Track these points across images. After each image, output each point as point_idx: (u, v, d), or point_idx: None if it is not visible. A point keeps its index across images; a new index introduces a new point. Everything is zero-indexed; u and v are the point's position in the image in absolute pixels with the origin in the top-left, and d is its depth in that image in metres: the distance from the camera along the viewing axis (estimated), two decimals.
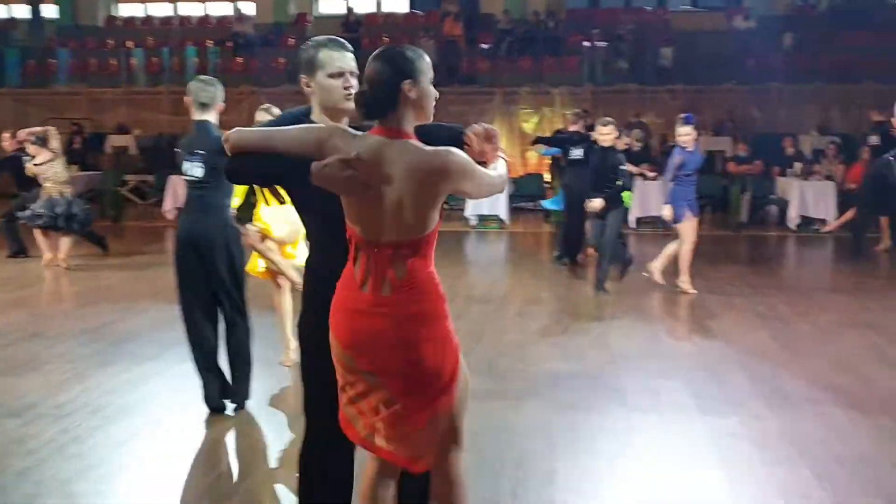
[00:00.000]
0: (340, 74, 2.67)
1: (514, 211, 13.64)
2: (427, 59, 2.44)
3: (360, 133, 2.42)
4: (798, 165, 12.90)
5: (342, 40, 2.75)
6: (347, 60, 2.69)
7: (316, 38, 2.76)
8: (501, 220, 12.81)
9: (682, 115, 7.77)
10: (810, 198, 12.16)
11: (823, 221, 12.14)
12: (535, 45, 17.50)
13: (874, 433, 4.37)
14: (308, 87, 2.72)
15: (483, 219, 12.92)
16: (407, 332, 2.37)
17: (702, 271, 8.40)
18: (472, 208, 12.73)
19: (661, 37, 17.40)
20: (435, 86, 2.47)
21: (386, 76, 2.35)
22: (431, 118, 2.49)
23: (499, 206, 12.60)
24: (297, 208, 2.72)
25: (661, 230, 11.16)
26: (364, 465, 2.64)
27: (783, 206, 12.64)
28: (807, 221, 12.30)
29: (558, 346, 6.06)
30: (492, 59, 17.66)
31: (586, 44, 17.13)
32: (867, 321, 6.79)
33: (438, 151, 2.35)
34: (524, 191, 14.40)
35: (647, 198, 11.97)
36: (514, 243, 11.93)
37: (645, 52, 17.20)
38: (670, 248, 7.87)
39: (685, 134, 7.54)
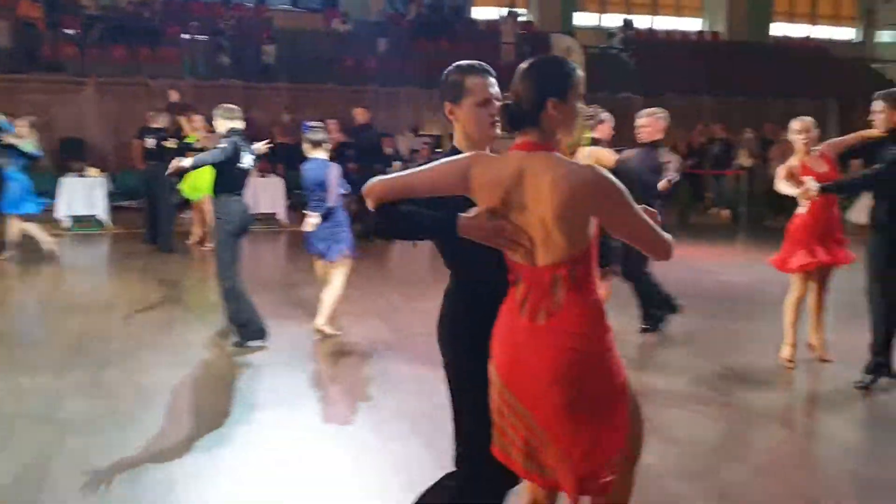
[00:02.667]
0: (487, 102, 2.54)
1: (115, 210, 12.63)
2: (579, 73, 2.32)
3: (499, 154, 2.29)
4: (396, 164, 13.86)
5: (486, 66, 2.61)
6: (493, 86, 2.56)
7: (460, 62, 2.62)
8: (100, 221, 11.83)
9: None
10: None
11: None
12: (130, 35, 16.46)
13: None
14: (452, 114, 2.59)
15: (78, 220, 11.80)
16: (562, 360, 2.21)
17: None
18: (66, 208, 11.57)
19: (262, 34, 17.48)
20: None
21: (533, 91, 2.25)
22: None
23: (96, 205, 11.65)
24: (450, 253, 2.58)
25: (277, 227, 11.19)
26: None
27: None
28: None
29: (169, 351, 5.77)
30: (80, 47, 16.21)
31: (185, 36, 16.55)
32: None
33: (589, 167, 2.21)
34: (124, 187, 13.34)
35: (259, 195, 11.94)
36: (117, 245, 11.09)
37: (247, 48, 17.14)
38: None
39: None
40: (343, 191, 6.18)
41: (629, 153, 6.30)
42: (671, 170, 6.17)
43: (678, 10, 21.67)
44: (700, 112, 17.98)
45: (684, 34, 21.49)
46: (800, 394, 5.33)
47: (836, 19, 23.08)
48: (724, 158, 15.80)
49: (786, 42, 22.21)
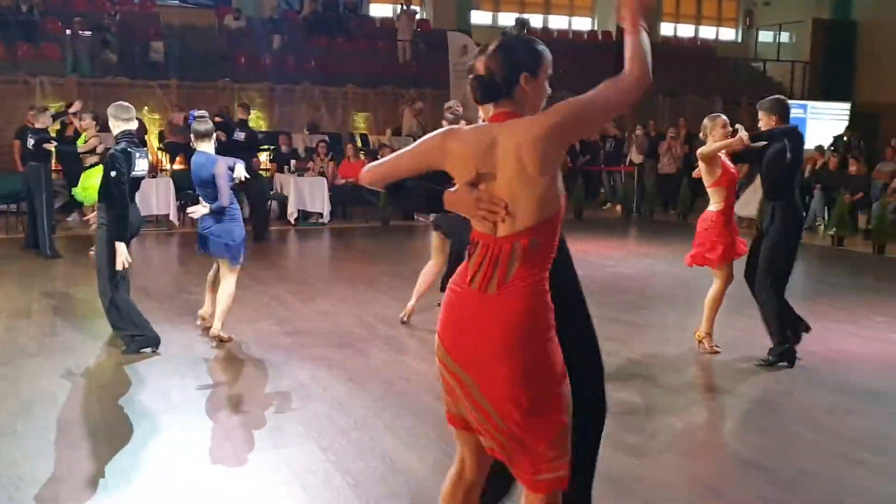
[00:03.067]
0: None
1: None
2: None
3: (469, 127, 2.35)
4: (294, 162, 13.65)
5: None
6: None
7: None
8: None
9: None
10: (306, 193, 12.96)
11: (320, 215, 13.05)
12: (8, 30, 15.61)
13: (368, 401, 4.81)
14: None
15: None
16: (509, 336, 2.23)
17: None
18: None
19: (150, 30, 16.89)
20: None
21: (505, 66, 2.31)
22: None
23: None
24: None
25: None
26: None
27: (283, 201, 13.25)
28: (305, 215, 13.09)
29: (53, 359, 5.49)
30: None
31: (68, 31, 15.82)
32: (364, 300, 7.47)
33: (535, 116, 2.28)
34: (2, 190, 12.60)
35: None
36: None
37: (134, 44, 16.52)
38: None
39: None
40: (236, 180, 5.93)
41: None
42: None
43: (571, 10, 22.13)
44: None
45: (577, 33, 21.97)
46: (695, 381, 5.51)
47: (719, 20, 24.05)
48: (617, 155, 16.27)
49: (674, 42, 23.00)
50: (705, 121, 5.67)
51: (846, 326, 6.83)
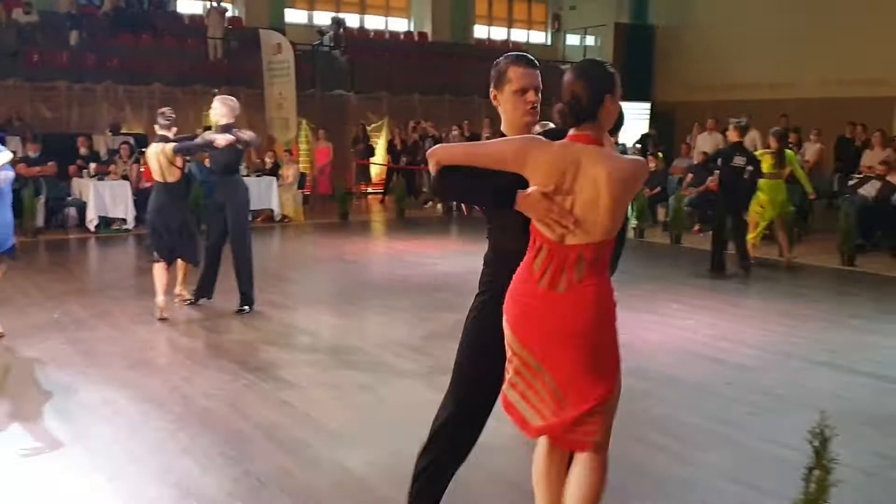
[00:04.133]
0: (524, 91, 2.79)
1: None
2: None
3: (555, 141, 2.58)
4: (93, 165, 12.75)
5: (531, 57, 2.86)
6: (535, 78, 2.82)
7: (510, 53, 2.89)
8: None
9: None
10: (108, 198, 12.14)
11: (123, 220, 12.27)
12: None
13: (165, 422, 4.49)
14: (495, 99, 2.87)
15: None
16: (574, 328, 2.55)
17: None
18: None
19: None
20: None
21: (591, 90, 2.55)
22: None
23: None
24: (488, 217, 2.88)
25: None
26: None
27: (81, 206, 12.35)
28: (106, 221, 12.26)
29: None
30: None
31: None
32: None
33: (636, 160, 2.62)
34: None
35: None
36: None
37: None
38: None
39: None
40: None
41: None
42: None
43: (387, 10, 22.16)
44: (412, 109, 18.55)
45: (393, 34, 22.04)
46: None
47: (529, 23, 24.92)
48: None
49: (487, 44, 23.59)
50: None
51: (644, 315, 7.18)
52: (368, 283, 8.66)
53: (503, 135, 2.86)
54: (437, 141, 16.45)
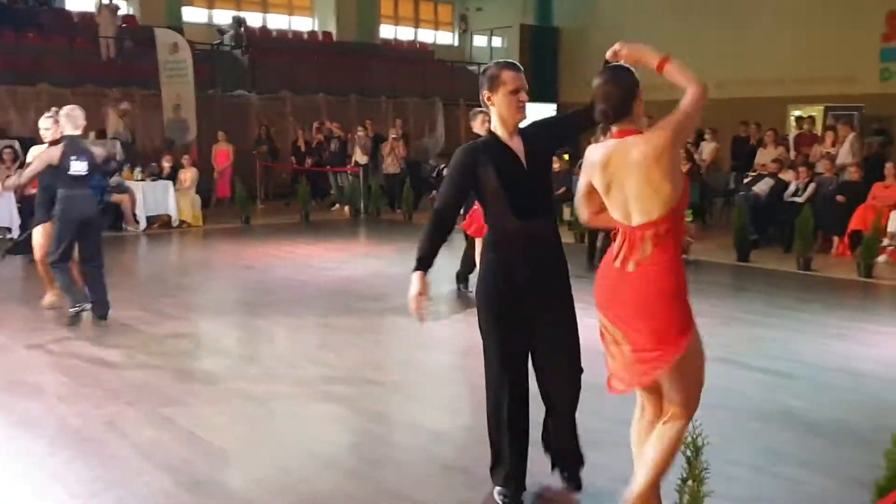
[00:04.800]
0: (517, 91, 3.25)
1: None
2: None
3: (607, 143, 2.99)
4: None
5: (517, 63, 3.32)
6: (523, 79, 3.29)
7: (498, 60, 3.35)
8: None
9: None
10: None
11: (8, 229, 11.61)
12: None
13: (37, 446, 4.18)
14: (490, 101, 3.29)
15: None
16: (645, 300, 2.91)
17: None
18: None
19: None
20: None
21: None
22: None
23: None
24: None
25: None
26: None
27: None
28: None
29: None
30: None
31: None
32: (39, 327, 6.63)
33: (658, 131, 2.86)
34: None
35: None
36: None
37: None
38: None
39: None
40: None
41: None
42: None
43: (290, 9, 21.75)
44: (316, 110, 18.21)
45: (296, 33, 21.65)
46: (403, 383, 5.43)
47: (436, 24, 24.90)
48: (342, 156, 16.17)
49: (394, 44, 23.45)
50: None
51: None
52: (267, 290, 8.38)
53: (494, 133, 3.34)
54: (342, 142, 16.20)
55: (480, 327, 3.44)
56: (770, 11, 17.82)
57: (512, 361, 3.39)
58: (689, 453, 2.27)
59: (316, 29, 22.00)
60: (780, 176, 11.53)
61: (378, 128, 16.71)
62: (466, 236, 7.64)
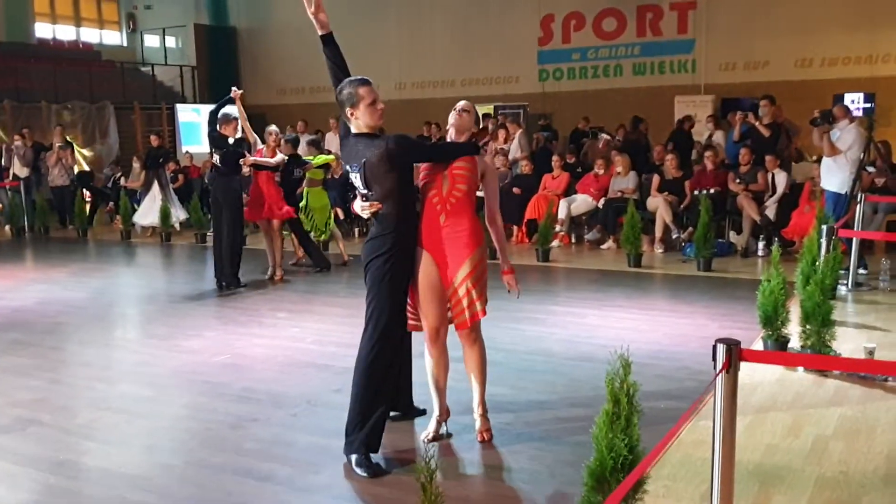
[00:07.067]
0: (375, 102, 3.88)
1: None
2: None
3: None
4: None
5: (366, 77, 3.93)
6: (375, 90, 3.92)
7: (350, 78, 3.94)
8: None
9: None
10: None
11: None
12: None
13: None
14: (353, 115, 3.89)
15: None
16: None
17: None
18: None
19: None
20: None
21: None
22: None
23: None
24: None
25: None
26: None
27: None
28: None
29: None
30: None
31: None
32: None
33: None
34: None
35: None
36: None
37: None
38: None
39: None
40: None
41: None
42: None
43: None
44: None
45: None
46: (82, 430, 4.79)
47: (101, 23, 22.94)
48: None
49: (53, 44, 21.25)
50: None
51: (253, 329, 6.82)
52: None
53: (360, 135, 3.90)
54: None
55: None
56: (440, 15, 18.80)
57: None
58: (423, 480, 2.15)
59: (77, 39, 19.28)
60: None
61: (39, 136, 15.00)
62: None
